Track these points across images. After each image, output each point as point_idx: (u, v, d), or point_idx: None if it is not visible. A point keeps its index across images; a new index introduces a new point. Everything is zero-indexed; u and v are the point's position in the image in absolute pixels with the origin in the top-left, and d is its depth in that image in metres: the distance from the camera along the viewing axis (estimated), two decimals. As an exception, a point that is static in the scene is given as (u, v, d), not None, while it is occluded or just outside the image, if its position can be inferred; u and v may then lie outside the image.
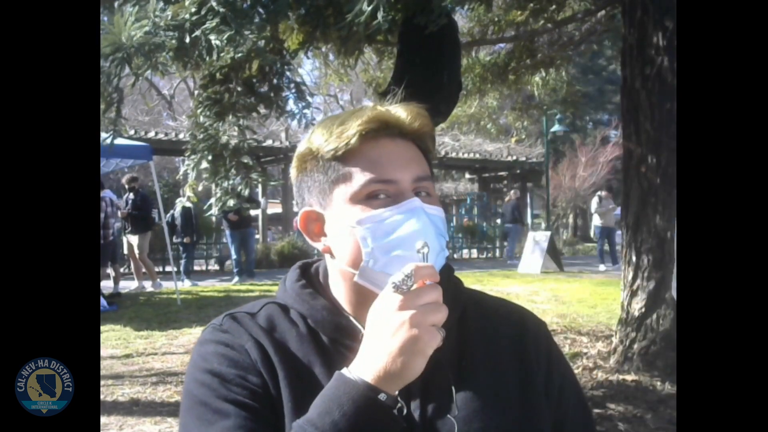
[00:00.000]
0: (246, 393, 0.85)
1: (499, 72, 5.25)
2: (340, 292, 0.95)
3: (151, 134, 14.60)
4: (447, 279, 0.98)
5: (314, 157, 0.91)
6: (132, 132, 13.86)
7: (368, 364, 0.77)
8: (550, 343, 1.02)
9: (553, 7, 4.54)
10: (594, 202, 14.02)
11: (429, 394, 0.88)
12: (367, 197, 0.87)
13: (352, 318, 0.92)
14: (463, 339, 0.94)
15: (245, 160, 3.17)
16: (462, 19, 5.39)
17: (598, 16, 4.90)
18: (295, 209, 0.95)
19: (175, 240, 10.71)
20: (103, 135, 2.39)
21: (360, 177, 0.87)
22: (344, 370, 0.79)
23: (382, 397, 0.75)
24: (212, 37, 2.15)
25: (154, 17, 2.11)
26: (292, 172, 0.96)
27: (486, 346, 0.94)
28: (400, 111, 0.90)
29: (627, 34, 4.03)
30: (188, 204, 10.36)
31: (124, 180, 9.81)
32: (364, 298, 0.90)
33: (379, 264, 0.86)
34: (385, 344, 0.76)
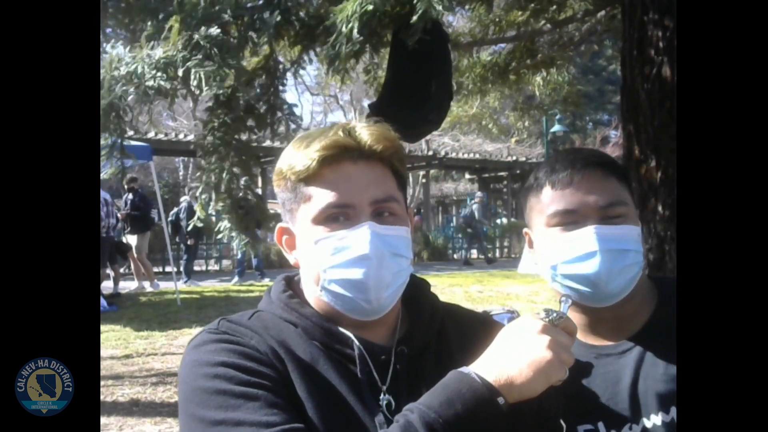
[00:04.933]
0: (266, 379, 0.85)
1: (499, 72, 5.25)
2: (312, 301, 0.97)
3: (151, 134, 14.59)
4: (424, 294, 1.02)
5: (284, 176, 0.95)
6: (132, 132, 13.83)
7: (494, 369, 0.80)
8: None
9: (554, 7, 4.54)
10: None
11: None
12: (326, 219, 0.91)
13: (339, 327, 0.93)
14: (443, 352, 0.97)
15: (252, 204, 3.27)
16: (462, 19, 5.39)
17: (598, 16, 4.90)
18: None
19: (177, 240, 10.68)
20: (106, 140, 2.48)
21: (319, 200, 0.91)
22: (463, 369, 0.82)
23: (500, 400, 0.78)
24: (200, 71, 2.21)
25: (145, 57, 2.18)
26: (274, 185, 1.01)
27: (464, 358, 0.96)
28: (363, 133, 0.92)
29: (627, 34, 4.02)
30: (200, 224, 10.44)
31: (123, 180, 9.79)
32: (334, 309, 0.93)
33: (333, 284, 0.90)
34: (515, 355, 0.80)
